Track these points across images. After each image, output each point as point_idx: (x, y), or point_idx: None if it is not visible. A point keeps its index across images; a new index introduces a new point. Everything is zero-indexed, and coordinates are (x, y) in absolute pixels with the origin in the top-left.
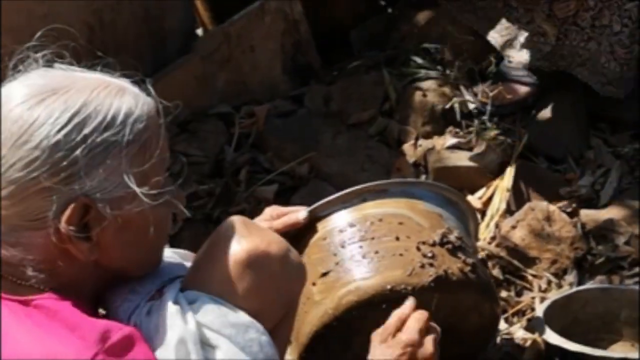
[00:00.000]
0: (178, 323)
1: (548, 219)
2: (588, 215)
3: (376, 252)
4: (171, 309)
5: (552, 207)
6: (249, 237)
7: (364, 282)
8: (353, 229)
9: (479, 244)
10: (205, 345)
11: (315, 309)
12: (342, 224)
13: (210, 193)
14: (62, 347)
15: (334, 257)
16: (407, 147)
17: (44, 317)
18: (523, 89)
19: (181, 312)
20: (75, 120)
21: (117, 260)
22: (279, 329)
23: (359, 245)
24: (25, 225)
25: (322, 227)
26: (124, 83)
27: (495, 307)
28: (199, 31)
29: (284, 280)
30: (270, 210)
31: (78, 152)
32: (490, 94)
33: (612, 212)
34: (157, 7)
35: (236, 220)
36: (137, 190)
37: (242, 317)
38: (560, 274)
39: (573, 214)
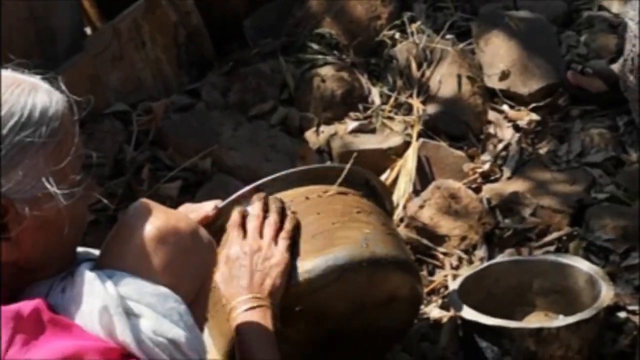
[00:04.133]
0: (98, 290)
1: (454, 196)
2: (493, 189)
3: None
4: (89, 276)
5: (458, 184)
6: (158, 215)
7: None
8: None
9: None
10: (128, 314)
11: None
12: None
13: (112, 194)
14: None
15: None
16: (310, 135)
17: None
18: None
19: (100, 280)
20: None
21: (37, 258)
22: (194, 304)
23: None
24: None
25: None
26: (36, 80)
27: (419, 285)
28: (88, 29)
29: (195, 255)
30: (184, 209)
31: None
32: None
33: (516, 185)
34: (41, 6)
35: (143, 201)
36: (55, 190)
37: (160, 288)
38: (470, 250)
39: (478, 190)
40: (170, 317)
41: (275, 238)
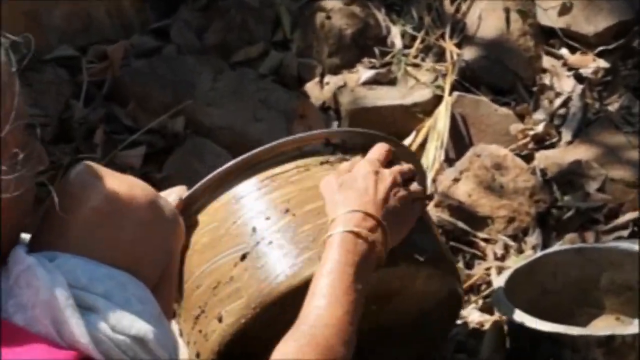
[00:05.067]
0: (40, 278)
1: (499, 166)
2: (549, 157)
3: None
4: (26, 261)
5: (503, 151)
6: (107, 180)
7: (284, 278)
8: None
9: None
10: (80, 307)
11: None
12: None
13: (56, 164)
14: None
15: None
16: (311, 87)
17: None
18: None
19: (41, 265)
20: None
21: None
22: (157, 291)
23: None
24: None
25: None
26: None
27: (457, 283)
28: None
29: (155, 229)
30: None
31: None
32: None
33: (579, 152)
34: None
35: (87, 164)
36: None
37: (115, 272)
38: (520, 236)
39: (530, 158)
40: (131, 307)
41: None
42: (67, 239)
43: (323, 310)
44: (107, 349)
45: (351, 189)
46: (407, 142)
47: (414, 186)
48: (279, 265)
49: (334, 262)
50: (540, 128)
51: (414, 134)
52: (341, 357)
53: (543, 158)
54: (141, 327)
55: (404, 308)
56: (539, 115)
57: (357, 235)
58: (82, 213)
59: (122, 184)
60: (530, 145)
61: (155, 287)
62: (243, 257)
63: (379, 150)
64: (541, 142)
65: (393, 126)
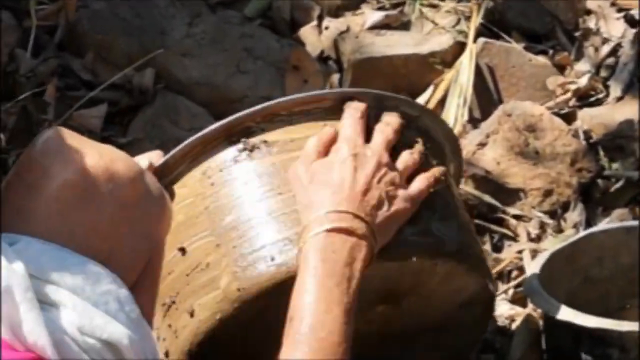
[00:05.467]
0: None
1: (533, 128)
2: (594, 117)
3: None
4: None
5: (538, 109)
6: (82, 150)
7: (268, 269)
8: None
9: None
10: (42, 303)
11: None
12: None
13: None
14: None
15: (279, 197)
16: (307, 32)
17: None
18: None
19: None
20: None
21: None
22: (138, 289)
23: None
24: None
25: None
26: None
27: (488, 280)
28: None
29: (138, 212)
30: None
31: None
32: None
33: (630, 110)
34: None
35: (58, 130)
36: None
37: (88, 262)
38: (558, 212)
39: (571, 118)
40: (105, 305)
41: (412, 174)
42: (31, 221)
43: (305, 336)
44: (71, 353)
45: (324, 184)
46: (422, 99)
47: (408, 158)
48: (264, 254)
49: (312, 276)
50: (583, 81)
51: (430, 89)
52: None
53: (587, 118)
54: (115, 330)
55: (423, 310)
56: (582, 65)
57: (337, 230)
58: (50, 189)
59: (101, 155)
60: (572, 102)
61: (137, 282)
62: (270, 213)
63: (355, 119)
64: (585, 98)
65: (406, 80)
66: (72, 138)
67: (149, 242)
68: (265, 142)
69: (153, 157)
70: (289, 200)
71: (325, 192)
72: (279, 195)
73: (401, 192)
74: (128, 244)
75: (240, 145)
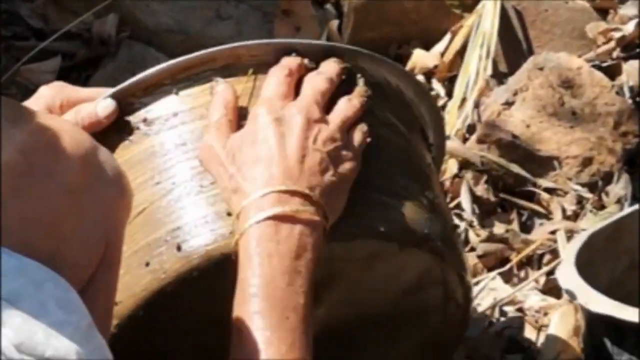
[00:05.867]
0: None
1: (569, 83)
2: None
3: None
4: None
5: (577, 62)
6: (23, 124)
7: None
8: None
9: (447, 144)
10: None
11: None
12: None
13: None
14: None
15: (156, 187)
16: None
17: None
18: None
19: None
20: None
21: None
22: (91, 287)
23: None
24: None
25: (137, 127)
26: None
27: (438, 259)
28: None
29: (90, 197)
30: (50, 92)
31: None
32: None
33: None
34: None
35: None
36: None
37: (28, 263)
38: (599, 184)
39: (615, 72)
40: (48, 316)
41: (351, 126)
42: None
43: (258, 355)
44: None
45: (251, 161)
46: (438, 49)
47: (346, 107)
48: (190, 228)
49: (257, 276)
50: (629, 28)
51: (448, 37)
52: None
53: (633, 71)
54: (60, 345)
55: (378, 300)
56: (628, 9)
57: (279, 218)
58: None
59: (47, 130)
60: (616, 53)
61: (91, 280)
62: (142, 211)
63: (278, 79)
64: (631, 48)
65: (417, 27)
66: (6, 107)
67: (103, 232)
68: (144, 120)
69: (96, 101)
70: (169, 185)
71: (254, 170)
72: (157, 185)
73: (344, 150)
74: (78, 237)
75: (122, 128)
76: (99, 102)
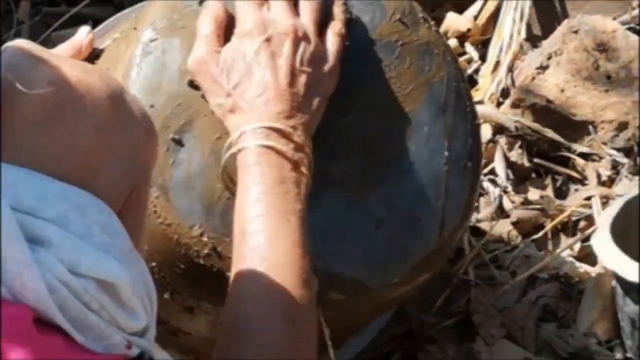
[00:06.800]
0: None
1: (605, 47)
2: None
3: None
4: None
5: (612, 24)
6: (52, 63)
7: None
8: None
9: (480, 109)
10: (28, 242)
11: None
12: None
13: None
14: None
15: None
16: None
17: None
18: None
19: None
20: None
21: None
22: (125, 214)
23: None
24: None
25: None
26: None
27: None
28: None
29: (119, 134)
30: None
31: None
32: None
33: None
34: None
35: (21, 43)
36: None
37: (70, 189)
38: (635, 149)
39: None
40: (94, 239)
41: (320, 27)
42: (2, 147)
43: (264, 250)
44: (62, 299)
45: (245, 82)
46: (471, 13)
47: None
48: None
49: (259, 184)
50: None
51: (481, 1)
52: (304, 300)
53: None
54: (110, 266)
55: None
56: None
57: (277, 152)
58: (19, 109)
59: (73, 68)
60: None
61: (119, 215)
62: None
63: None
64: None
65: None
66: (39, 51)
67: (131, 171)
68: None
69: (79, 35)
70: None
71: (251, 91)
72: None
73: (326, 67)
74: (107, 173)
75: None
76: (79, 30)
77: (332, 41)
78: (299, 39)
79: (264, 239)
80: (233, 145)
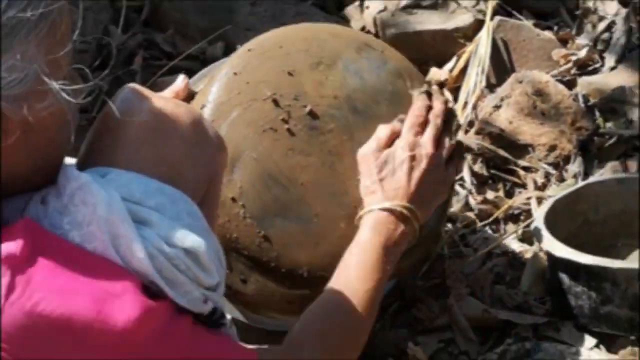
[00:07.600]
0: (95, 194)
1: (540, 92)
2: (591, 83)
3: None
4: (80, 178)
5: (545, 77)
6: (152, 99)
7: None
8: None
9: None
10: (135, 222)
11: None
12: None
13: (95, 91)
14: None
15: None
16: (352, 11)
17: None
18: None
19: (94, 181)
20: None
21: (20, 172)
22: (203, 204)
23: None
24: None
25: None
26: None
27: None
28: None
29: (198, 150)
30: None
31: None
32: None
33: (622, 78)
34: None
35: (132, 86)
36: (53, 84)
37: (164, 186)
38: (561, 164)
39: (572, 84)
40: (182, 221)
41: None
42: (116, 156)
43: (352, 282)
44: (160, 263)
45: (388, 178)
46: (447, 67)
47: (449, 146)
48: None
49: (366, 242)
50: (582, 53)
51: (454, 59)
52: (364, 324)
53: (585, 84)
54: (194, 240)
55: None
56: (582, 40)
57: (391, 214)
58: (129, 130)
59: (167, 102)
60: (573, 71)
61: (199, 205)
62: None
63: (414, 122)
64: (584, 67)
65: (434, 51)
66: (143, 91)
67: (207, 175)
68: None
69: (177, 82)
70: None
71: (390, 186)
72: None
73: (446, 183)
74: (191, 175)
75: None
76: (178, 77)
77: (450, 166)
78: (433, 163)
79: (355, 275)
80: (360, 213)
